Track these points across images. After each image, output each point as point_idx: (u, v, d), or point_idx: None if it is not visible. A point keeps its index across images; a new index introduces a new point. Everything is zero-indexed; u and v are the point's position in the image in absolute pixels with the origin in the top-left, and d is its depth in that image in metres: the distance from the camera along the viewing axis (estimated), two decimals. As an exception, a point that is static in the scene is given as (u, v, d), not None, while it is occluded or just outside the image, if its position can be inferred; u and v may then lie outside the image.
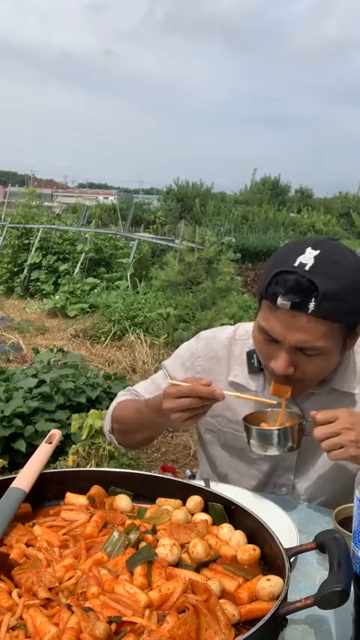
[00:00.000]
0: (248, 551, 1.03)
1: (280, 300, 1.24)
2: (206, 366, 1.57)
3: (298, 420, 1.35)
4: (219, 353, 1.56)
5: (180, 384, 1.31)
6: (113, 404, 1.67)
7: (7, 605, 0.87)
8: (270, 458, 1.48)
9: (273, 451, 1.33)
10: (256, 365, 1.48)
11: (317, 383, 1.41)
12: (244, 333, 1.56)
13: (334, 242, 1.33)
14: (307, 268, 1.23)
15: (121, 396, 1.69)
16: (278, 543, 0.97)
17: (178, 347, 1.70)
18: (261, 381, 1.49)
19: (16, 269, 11.26)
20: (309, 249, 1.26)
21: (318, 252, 1.25)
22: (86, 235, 11.34)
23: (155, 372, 1.69)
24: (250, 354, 1.50)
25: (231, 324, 1.69)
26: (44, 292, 10.39)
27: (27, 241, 11.53)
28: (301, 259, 1.24)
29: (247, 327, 1.56)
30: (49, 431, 1.33)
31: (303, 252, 1.26)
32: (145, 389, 1.66)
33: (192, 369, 1.58)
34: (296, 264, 1.24)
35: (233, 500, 1.13)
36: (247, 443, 1.37)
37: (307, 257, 1.24)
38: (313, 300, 1.22)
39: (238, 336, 1.57)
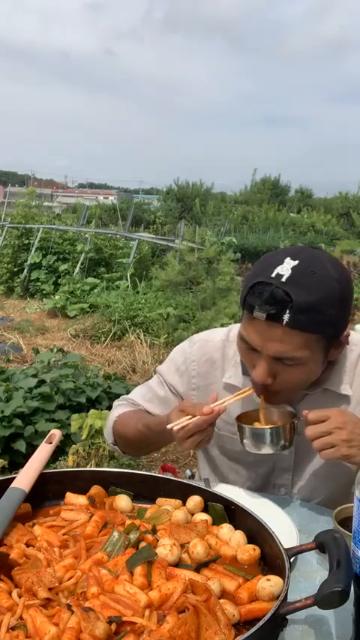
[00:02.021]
0: (248, 551, 1.03)
1: (255, 312, 1.25)
2: (201, 369, 1.56)
3: (290, 419, 1.35)
4: (213, 355, 1.56)
5: (184, 424, 1.30)
6: (112, 417, 1.66)
7: (7, 605, 0.87)
8: (267, 459, 1.48)
9: (266, 450, 1.34)
10: None
11: (299, 390, 1.41)
12: (236, 334, 1.56)
13: (314, 251, 1.32)
14: (283, 279, 1.22)
15: (119, 407, 1.68)
16: (278, 543, 0.97)
17: None
18: None
19: (16, 269, 11.26)
20: (288, 260, 1.25)
21: (296, 262, 1.24)
22: (86, 235, 11.33)
23: (155, 372, 1.69)
24: None
25: (231, 325, 1.69)
26: (44, 292, 10.39)
27: (27, 241, 11.52)
28: (278, 270, 1.24)
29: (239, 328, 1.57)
30: (49, 431, 1.33)
31: (281, 263, 1.25)
32: (142, 396, 1.65)
33: (187, 374, 1.58)
34: (273, 275, 1.24)
35: (233, 500, 1.13)
36: (240, 442, 1.38)
37: (285, 268, 1.24)
38: (287, 311, 1.21)
39: (231, 338, 1.56)
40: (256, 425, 1.37)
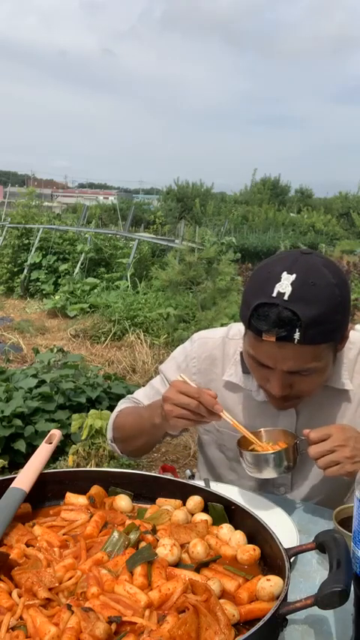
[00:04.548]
0: (248, 552, 1.03)
1: (265, 335, 1.24)
2: (201, 366, 1.57)
3: (292, 440, 1.34)
4: (213, 353, 1.57)
5: (189, 383, 1.32)
6: (114, 412, 1.68)
7: (7, 605, 0.87)
8: None
9: (270, 473, 1.32)
10: None
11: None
12: (237, 333, 1.56)
13: (308, 258, 1.30)
14: (285, 298, 1.22)
15: (122, 404, 1.70)
16: (278, 543, 0.97)
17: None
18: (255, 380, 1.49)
19: (16, 269, 11.25)
20: (285, 275, 1.24)
21: (294, 276, 1.23)
22: (86, 235, 11.33)
23: (155, 372, 1.70)
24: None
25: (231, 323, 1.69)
26: (44, 292, 10.39)
27: (27, 241, 11.52)
28: (278, 288, 1.23)
29: (239, 327, 1.56)
30: (49, 431, 1.33)
31: (279, 279, 1.24)
32: (145, 395, 1.66)
33: (187, 371, 1.58)
34: (274, 295, 1.23)
35: (233, 500, 1.13)
36: (243, 467, 1.36)
37: (284, 284, 1.23)
38: (297, 330, 1.21)
39: (231, 336, 1.57)
40: (257, 448, 1.35)
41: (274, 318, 1.22)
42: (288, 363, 1.27)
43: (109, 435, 1.66)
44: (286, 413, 1.46)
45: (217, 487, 1.36)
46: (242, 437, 1.38)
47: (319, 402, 1.46)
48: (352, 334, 1.47)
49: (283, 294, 1.22)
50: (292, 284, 1.23)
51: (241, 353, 1.50)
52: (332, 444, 1.25)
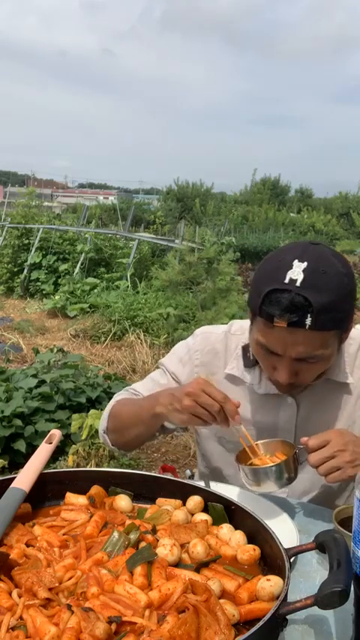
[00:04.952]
0: (248, 552, 1.03)
1: (276, 320, 1.26)
2: (204, 359, 1.58)
3: (290, 450, 1.32)
4: (216, 346, 1.58)
5: (215, 386, 1.32)
6: (112, 401, 1.66)
7: (7, 605, 0.87)
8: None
9: (271, 487, 1.29)
10: (251, 358, 1.50)
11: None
12: (238, 329, 1.58)
13: (318, 248, 1.33)
14: (298, 284, 1.24)
15: (120, 395, 1.69)
16: (278, 543, 0.97)
17: None
18: (257, 374, 1.51)
19: (16, 269, 11.25)
20: (296, 262, 1.26)
21: (305, 264, 1.26)
22: (86, 235, 11.33)
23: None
24: (245, 349, 1.52)
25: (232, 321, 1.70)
26: (44, 292, 10.39)
27: (27, 241, 11.52)
28: (290, 275, 1.25)
29: (241, 323, 1.59)
30: (49, 431, 1.33)
31: (291, 267, 1.26)
32: (144, 387, 1.66)
33: (190, 363, 1.59)
34: (287, 281, 1.25)
35: (233, 500, 1.13)
36: (243, 482, 1.34)
37: (296, 271, 1.25)
38: (309, 316, 1.23)
39: (233, 331, 1.59)
40: (256, 462, 1.33)
41: (287, 303, 1.24)
42: (298, 348, 1.28)
43: (103, 424, 1.63)
44: (286, 405, 1.48)
45: (217, 487, 1.36)
46: (240, 452, 1.36)
47: (320, 394, 1.47)
48: (352, 331, 1.49)
49: (295, 280, 1.24)
50: (303, 271, 1.25)
51: (242, 348, 1.53)
52: (332, 449, 1.25)
